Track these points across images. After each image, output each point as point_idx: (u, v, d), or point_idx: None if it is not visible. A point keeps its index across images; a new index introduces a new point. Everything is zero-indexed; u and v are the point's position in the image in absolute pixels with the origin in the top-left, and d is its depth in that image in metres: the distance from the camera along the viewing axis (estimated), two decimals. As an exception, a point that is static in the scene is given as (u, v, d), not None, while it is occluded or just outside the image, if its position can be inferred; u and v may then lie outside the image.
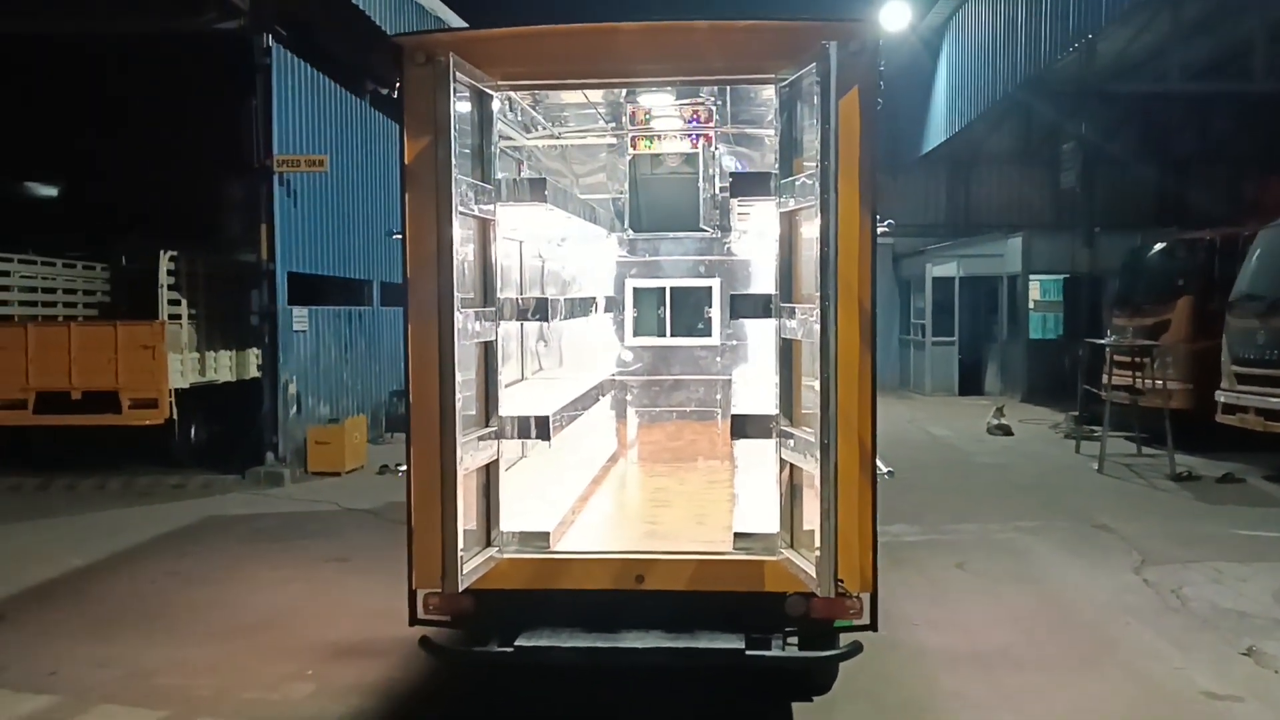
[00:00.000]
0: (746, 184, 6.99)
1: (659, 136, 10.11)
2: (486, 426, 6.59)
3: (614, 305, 10.33)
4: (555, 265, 10.51)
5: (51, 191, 23.91)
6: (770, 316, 6.69)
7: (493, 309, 6.57)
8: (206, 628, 9.47)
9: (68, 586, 11.12)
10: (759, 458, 7.87)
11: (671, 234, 10.26)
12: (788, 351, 6.61)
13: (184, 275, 18.60)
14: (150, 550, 12.82)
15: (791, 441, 6.40)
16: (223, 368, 19.93)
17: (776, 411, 6.59)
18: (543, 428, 6.78)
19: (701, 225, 9.99)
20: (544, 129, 9.90)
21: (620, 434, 10.50)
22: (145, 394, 17.54)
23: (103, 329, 17.82)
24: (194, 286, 18.91)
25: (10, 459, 18.13)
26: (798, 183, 6.29)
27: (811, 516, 6.18)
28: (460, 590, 5.98)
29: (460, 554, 5.93)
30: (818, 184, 5.78)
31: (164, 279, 18.00)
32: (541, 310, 6.87)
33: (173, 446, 18.27)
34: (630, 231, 10.27)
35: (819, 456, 5.78)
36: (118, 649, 8.88)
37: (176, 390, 17.84)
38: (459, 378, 5.87)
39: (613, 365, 10.48)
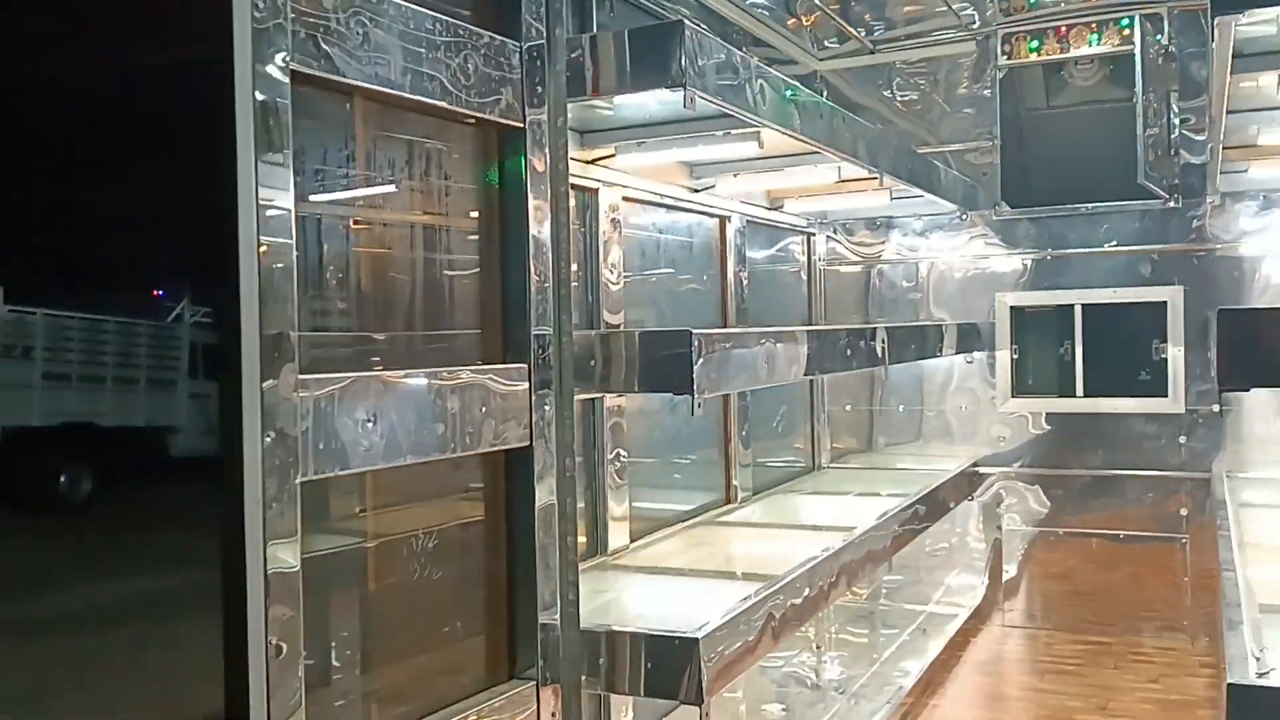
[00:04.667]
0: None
1: (1056, 31, 5.56)
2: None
3: (974, 339, 5.80)
4: (894, 273, 6.19)
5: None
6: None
7: (532, 368, 2.49)
8: None
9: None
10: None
11: (1084, 207, 5.63)
12: None
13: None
14: None
15: None
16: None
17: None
18: (690, 672, 2.60)
19: (1144, 184, 5.32)
20: (851, 42, 5.73)
21: (992, 569, 5.91)
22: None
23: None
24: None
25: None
26: None
27: None
28: None
29: None
30: None
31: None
32: (675, 375, 2.65)
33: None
34: (1004, 206, 5.76)
35: None
36: None
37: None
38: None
39: (980, 444, 5.95)
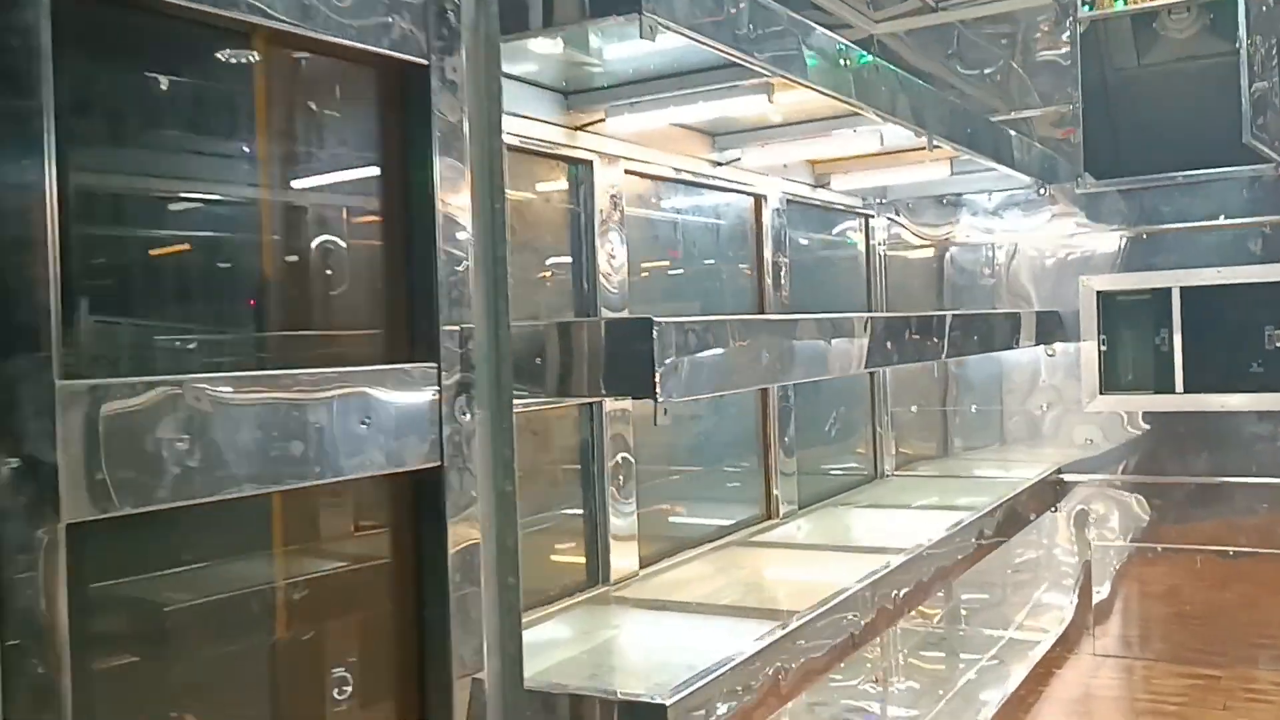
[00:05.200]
0: None
1: (1146, -25, 4.91)
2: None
3: (1054, 328, 5.14)
4: (965, 258, 5.54)
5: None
6: None
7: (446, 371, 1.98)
8: None
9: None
10: None
11: (1180, 175, 4.94)
12: None
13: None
14: None
15: None
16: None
17: None
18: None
19: (1251, 143, 4.63)
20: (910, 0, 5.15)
21: (1081, 589, 5.24)
22: None
23: None
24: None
25: None
26: None
27: None
28: None
29: None
30: None
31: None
32: (634, 374, 2.14)
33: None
34: (1088, 178, 5.11)
35: None
36: None
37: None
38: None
39: (1066, 448, 5.28)
